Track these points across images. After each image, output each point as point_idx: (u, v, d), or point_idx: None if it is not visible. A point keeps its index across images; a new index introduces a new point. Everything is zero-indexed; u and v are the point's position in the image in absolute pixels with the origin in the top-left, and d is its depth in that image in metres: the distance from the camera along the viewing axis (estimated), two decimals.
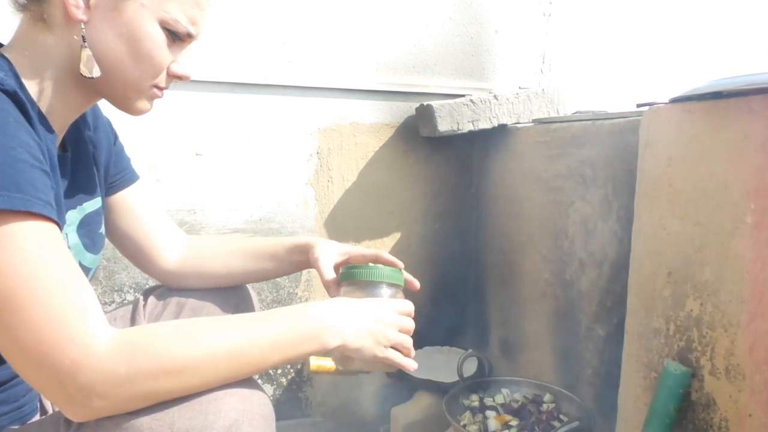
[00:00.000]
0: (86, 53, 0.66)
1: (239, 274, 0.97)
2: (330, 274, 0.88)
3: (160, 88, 0.74)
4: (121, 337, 0.57)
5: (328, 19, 1.53)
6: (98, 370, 0.54)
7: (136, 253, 0.94)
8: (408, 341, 0.77)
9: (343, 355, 0.74)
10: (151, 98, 0.75)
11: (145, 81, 0.71)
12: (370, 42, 1.58)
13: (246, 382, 0.62)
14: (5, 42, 0.71)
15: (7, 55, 0.66)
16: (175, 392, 0.58)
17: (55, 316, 0.54)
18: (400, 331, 0.76)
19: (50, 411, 0.82)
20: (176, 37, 0.71)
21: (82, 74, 0.67)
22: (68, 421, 0.59)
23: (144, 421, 0.56)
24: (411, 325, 0.78)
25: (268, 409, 0.62)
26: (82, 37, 0.66)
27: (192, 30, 0.71)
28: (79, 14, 0.65)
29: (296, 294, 1.59)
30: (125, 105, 0.74)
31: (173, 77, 0.74)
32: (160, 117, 1.40)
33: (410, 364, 0.78)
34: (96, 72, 0.67)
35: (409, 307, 0.80)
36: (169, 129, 1.42)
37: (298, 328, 0.66)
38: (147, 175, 1.41)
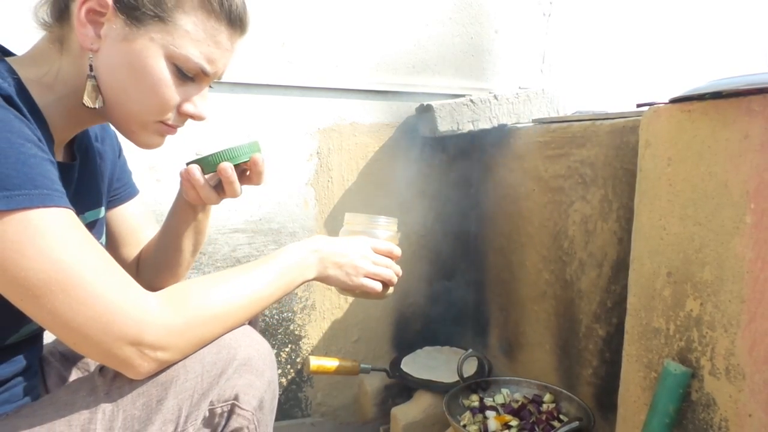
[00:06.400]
0: (90, 84, 0.67)
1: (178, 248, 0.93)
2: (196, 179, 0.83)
3: (170, 126, 0.74)
4: (164, 296, 0.65)
5: (328, 20, 1.53)
6: (161, 325, 0.63)
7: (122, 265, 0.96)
8: (379, 271, 0.90)
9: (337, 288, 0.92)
10: (161, 134, 0.74)
11: (149, 116, 0.71)
12: (370, 42, 1.58)
13: (254, 331, 0.74)
14: (18, 53, 0.72)
15: (16, 65, 0.67)
16: (220, 332, 0.69)
17: (109, 288, 0.60)
18: (373, 263, 0.90)
19: None
20: (187, 77, 0.70)
21: (84, 105, 0.67)
22: (103, 373, 0.67)
23: (179, 362, 0.67)
24: (383, 260, 0.92)
25: (273, 356, 0.75)
26: (90, 66, 0.67)
27: (206, 67, 0.70)
28: (88, 43, 0.66)
29: (296, 293, 1.59)
30: (129, 136, 0.74)
31: (185, 117, 0.74)
32: None
33: (375, 286, 0.90)
34: (99, 103, 0.68)
35: (385, 245, 0.93)
36: None
37: (294, 268, 0.80)
38: (147, 175, 1.41)
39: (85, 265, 0.59)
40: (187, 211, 0.90)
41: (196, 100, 0.73)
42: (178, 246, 0.92)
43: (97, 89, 0.68)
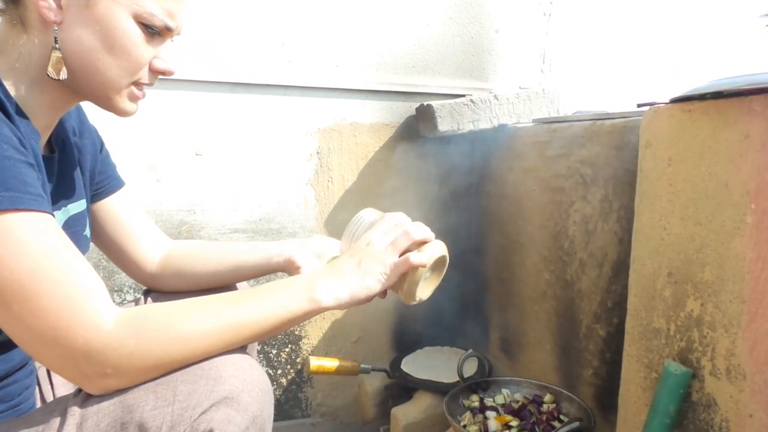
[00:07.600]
0: (55, 55, 0.66)
1: (218, 276, 0.96)
2: None
3: (141, 86, 0.74)
4: (126, 314, 0.61)
5: (328, 19, 1.53)
6: (109, 346, 0.58)
7: (120, 258, 0.96)
8: (404, 240, 0.78)
9: (403, 293, 0.81)
10: (134, 98, 0.74)
11: (123, 79, 0.71)
12: (370, 42, 1.57)
13: (247, 358, 0.66)
14: None
15: None
16: (182, 360, 0.62)
17: (62, 302, 0.57)
18: (394, 241, 0.78)
19: None
20: (154, 32, 0.70)
21: (49, 76, 0.67)
22: (76, 394, 0.63)
23: (149, 385, 0.61)
24: (399, 229, 0.79)
25: (267, 386, 0.65)
26: (54, 38, 0.66)
27: (169, 22, 0.70)
28: (52, 15, 0.65)
29: None
30: (108, 105, 0.74)
31: (156, 73, 0.74)
32: (160, 117, 1.40)
33: (418, 258, 0.77)
34: (63, 74, 0.67)
35: (393, 219, 0.82)
36: (169, 129, 1.42)
37: (291, 292, 0.71)
38: (147, 175, 1.41)
39: (42, 275, 0.57)
40: (275, 270, 0.94)
41: (163, 55, 0.73)
42: (233, 279, 0.96)
43: (62, 61, 0.67)
